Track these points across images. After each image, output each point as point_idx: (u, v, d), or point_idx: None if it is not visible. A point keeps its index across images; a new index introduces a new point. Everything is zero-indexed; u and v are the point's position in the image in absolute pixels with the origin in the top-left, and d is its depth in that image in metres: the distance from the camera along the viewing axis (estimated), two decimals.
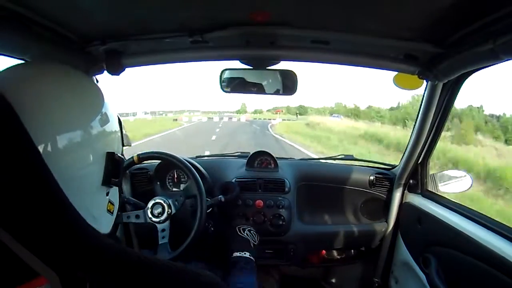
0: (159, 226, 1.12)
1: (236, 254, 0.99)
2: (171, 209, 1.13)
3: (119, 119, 0.54)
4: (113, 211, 0.53)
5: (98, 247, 0.37)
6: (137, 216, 1.13)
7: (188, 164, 1.19)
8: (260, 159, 1.51)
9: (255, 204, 1.35)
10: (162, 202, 1.13)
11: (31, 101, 0.40)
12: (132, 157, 1.19)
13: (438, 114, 1.13)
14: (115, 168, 0.49)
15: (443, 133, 1.20)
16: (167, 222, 1.12)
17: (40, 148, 0.38)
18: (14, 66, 0.47)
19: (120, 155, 0.51)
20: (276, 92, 1.09)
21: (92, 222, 0.45)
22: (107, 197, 0.51)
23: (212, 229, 1.25)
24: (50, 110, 0.41)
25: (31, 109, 0.39)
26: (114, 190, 0.53)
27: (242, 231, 1.10)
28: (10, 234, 0.33)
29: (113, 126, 0.51)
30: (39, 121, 0.39)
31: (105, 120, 0.48)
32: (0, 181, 0.33)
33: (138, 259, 0.40)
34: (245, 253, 0.98)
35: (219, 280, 0.46)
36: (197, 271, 0.45)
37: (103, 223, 0.51)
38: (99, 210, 0.50)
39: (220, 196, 1.23)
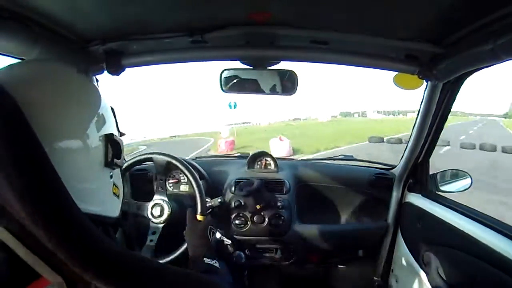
0: (152, 225, 1.12)
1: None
2: (170, 210, 1.13)
3: (112, 109, 0.56)
4: (118, 194, 0.54)
5: (104, 252, 0.37)
6: (138, 207, 1.15)
7: (188, 165, 1.19)
8: (260, 160, 1.51)
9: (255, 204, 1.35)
10: (162, 203, 1.13)
11: (32, 99, 0.41)
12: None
13: (438, 114, 1.14)
14: (115, 149, 0.50)
15: None
16: (160, 226, 1.12)
17: (45, 145, 0.38)
18: (14, 64, 0.48)
19: (118, 137, 0.53)
20: (277, 92, 1.10)
21: (100, 205, 0.49)
22: (111, 179, 0.52)
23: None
24: (52, 109, 0.43)
25: (32, 108, 0.40)
26: (117, 173, 0.54)
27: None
28: (14, 236, 0.33)
29: (108, 115, 0.53)
30: (43, 119, 0.40)
31: (102, 115, 0.50)
32: (4, 179, 0.32)
33: (144, 263, 0.39)
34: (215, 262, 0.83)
35: (221, 282, 0.47)
36: (202, 276, 0.45)
37: (111, 207, 0.53)
38: (105, 193, 0.51)
39: (220, 198, 1.23)
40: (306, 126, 32.63)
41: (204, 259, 0.81)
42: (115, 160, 0.50)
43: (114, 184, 0.53)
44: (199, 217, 1.06)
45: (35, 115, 0.39)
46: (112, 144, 0.50)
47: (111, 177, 0.52)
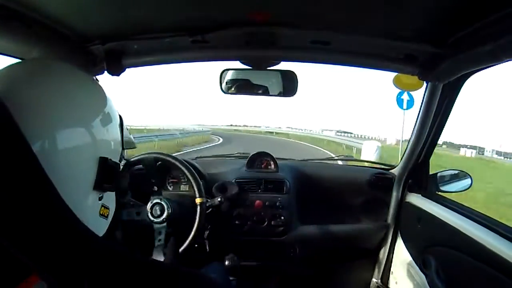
0: (156, 227, 1.12)
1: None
2: (170, 210, 1.13)
3: (121, 120, 0.53)
4: (107, 215, 0.51)
5: (97, 250, 0.36)
6: (138, 213, 1.13)
7: (188, 165, 1.19)
8: (260, 160, 1.51)
9: (255, 204, 1.35)
10: (162, 203, 1.13)
11: (28, 99, 0.40)
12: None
13: (438, 115, 1.14)
14: (108, 174, 0.47)
15: None
16: (165, 224, 1.12)
17: (35, 148, 0.37)
18: (14, 64, 0.47)
19: (115, 160, 0.49)
20: (277, 93, 1.10)
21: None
22: (100, 202, 0.49)
23: (207, 232, 1.25)
24: (47, 109, 0.41)
25: (28, 107, 0.39)
26: (109, 195, 0.51)
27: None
28: (6, 235, 0.32)
29: (111, 129, 0.49)
30: (36, 120, 0.39)
31: (103, 122, 0.47)
32: None
33: (138, 262, 0.39)
34: None
35: (220, 282, 0.46)
36: (199, 273, 0.45)
37: (95, 228, 0.48)
38: (90, 215, 0.47)
39: (219, 197, 1.23)
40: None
41: None
42: (105, 184, 0.47)
43: (102, 206, 0.50)
44: (197, 200, 1.14)
45: (26, 115, 0.38)
46: (105, 168, 0.46)
47: (100, 198, 0.49)
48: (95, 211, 0.49)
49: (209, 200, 1.19)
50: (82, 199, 0.45)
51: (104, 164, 0.46)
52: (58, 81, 0.45)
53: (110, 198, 0.52)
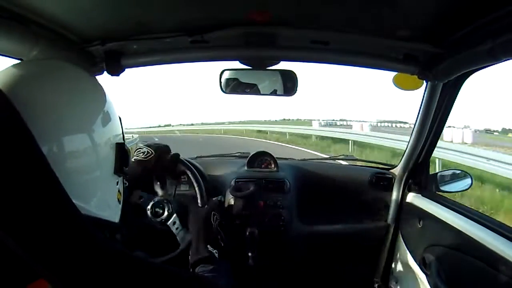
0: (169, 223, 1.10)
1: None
2: (170, 209, 1.13)
3: (119, 117, 0.57)
4: (120, 200, 0.56)
5: (103, 254, 0.37)
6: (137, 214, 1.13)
7: (189, 164, 1.19)
8: (260, 159, 1.51)
9: (255, 204, 1.35)
10: (162, 202, 1.13)
11: (36, 100, 0.41)
12: None
13: (438, 114, 1.14)
14: (124, 158, 0.53)
15: None
16: (173, 218, 1.10)
17: (54, 146, 0.40)
18: (17, 64, 0.48)
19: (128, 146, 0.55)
20: (276, 93, 1.10)
21: (108, 210, 0.51)
22: (117, 186, 0.54)
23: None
24: (58, 109, 0.43)
25: (36, 108, 0.40)
26: (121, 180, 0.56)
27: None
28: (13, 239, 0.32)
29: (117, 120, 0.54)
30: (47, 120, 0.41)
31: (111, 113, 0.52)
32: (1, 184, 0.32)
33: (145, 265, 0.39)
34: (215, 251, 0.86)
35: (217, 282, 0.47)
36: (204, 277, 0.45)
37: (115, 212, 0.54)
38: (112, 199, 0.53)
39: (219, 196, 1.23)
40: None
41: (208, 246, 0.84)
42: (124, 168, 0.53)
43: (118, 190, 0.55)
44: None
45: (37, 115, 0.39)
46: (122, 152, 0.52)
47: (117, 183, 0.54)
48: (114, 196, 0.54)
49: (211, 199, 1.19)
50: (106, 184, 0.51)
51: (122, 149, 0.52)
52: (64, 80, 0.48)
53: (121, 184, 0.57)
